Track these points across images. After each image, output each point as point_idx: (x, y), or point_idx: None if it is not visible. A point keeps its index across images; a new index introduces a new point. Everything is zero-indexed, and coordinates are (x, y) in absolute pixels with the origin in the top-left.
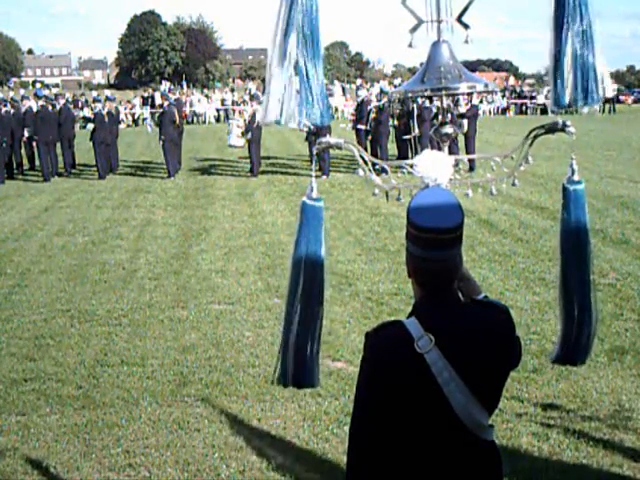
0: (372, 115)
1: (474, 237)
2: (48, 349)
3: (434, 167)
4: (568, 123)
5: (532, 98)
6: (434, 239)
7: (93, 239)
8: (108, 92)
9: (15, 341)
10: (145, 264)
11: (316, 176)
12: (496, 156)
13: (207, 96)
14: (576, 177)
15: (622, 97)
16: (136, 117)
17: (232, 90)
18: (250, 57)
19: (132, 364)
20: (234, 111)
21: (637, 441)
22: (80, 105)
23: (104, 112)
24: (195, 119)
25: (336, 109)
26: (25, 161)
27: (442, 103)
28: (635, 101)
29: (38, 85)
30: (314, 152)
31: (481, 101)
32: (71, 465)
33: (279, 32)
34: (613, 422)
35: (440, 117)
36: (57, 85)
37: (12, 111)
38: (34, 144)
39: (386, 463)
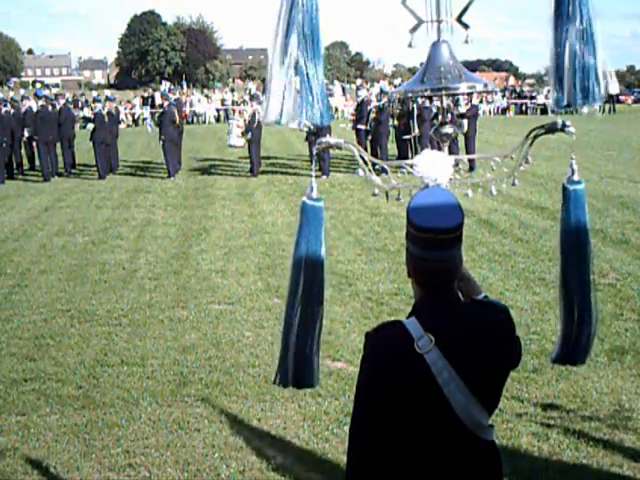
0: (372, 115)
1: (474, 237)
2: (48, 349)
3: (434, 167)
4: (568, 123)
5: (532, 98)
6: (434, 239)
7: (93, 239)
8: (108, 92)
9: (15, 341)
10: (145, 264)
11: (316, 176)
12: (496, 156)
13: (207, 96)
14: (576, 177)
15: (622, 97)
16: (136, 117)
17: (232, 90)
18: (250, 57)
19: (132, 364)
20: (234, 111)
21: (637, 441)
22: (80, 105)
23: (104, 112)
24: (195, 119)
25: (336, 109)
26: (25, 161)
27: (442, 103)
28: (635, 101)
29: (38, 85)
30: (314, 152)
31: (481, 101)
32: (71, 465)
33: (279, 32)
34: (613, 422)
35: (440, 117)
36: (57, 85)
37: (12, 111)
38: (34, 144)
39: (386, 463)
